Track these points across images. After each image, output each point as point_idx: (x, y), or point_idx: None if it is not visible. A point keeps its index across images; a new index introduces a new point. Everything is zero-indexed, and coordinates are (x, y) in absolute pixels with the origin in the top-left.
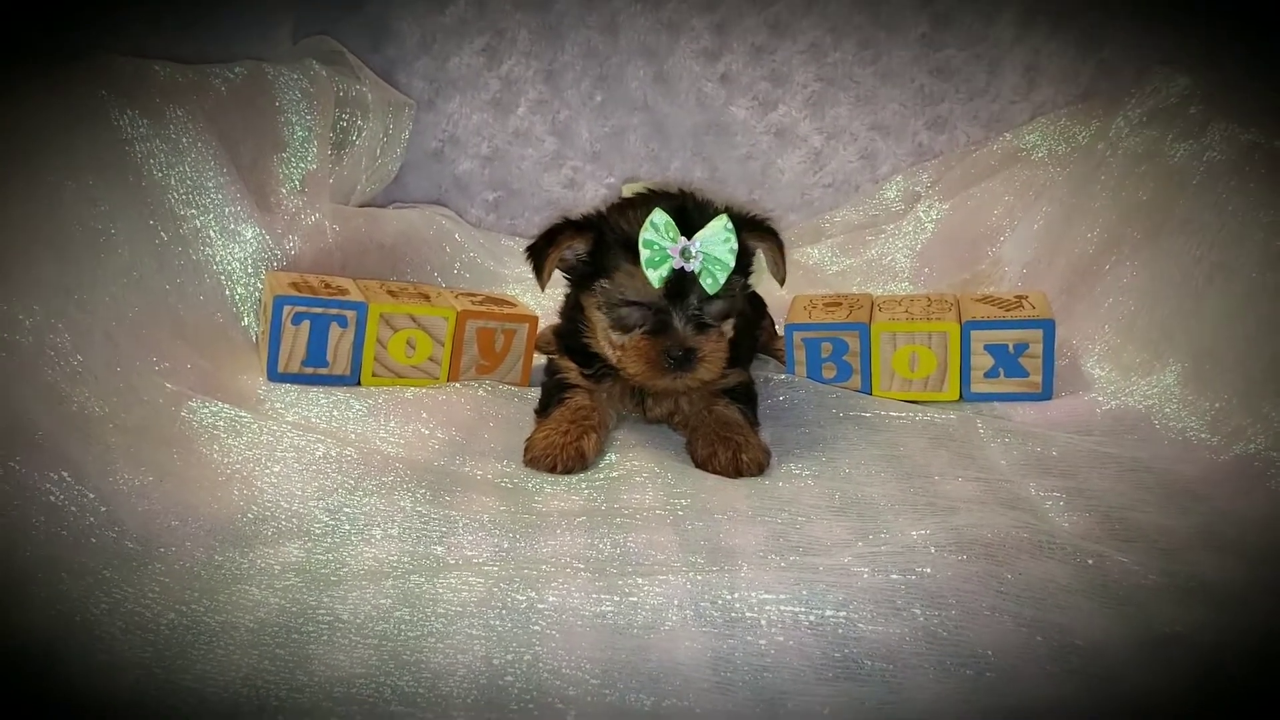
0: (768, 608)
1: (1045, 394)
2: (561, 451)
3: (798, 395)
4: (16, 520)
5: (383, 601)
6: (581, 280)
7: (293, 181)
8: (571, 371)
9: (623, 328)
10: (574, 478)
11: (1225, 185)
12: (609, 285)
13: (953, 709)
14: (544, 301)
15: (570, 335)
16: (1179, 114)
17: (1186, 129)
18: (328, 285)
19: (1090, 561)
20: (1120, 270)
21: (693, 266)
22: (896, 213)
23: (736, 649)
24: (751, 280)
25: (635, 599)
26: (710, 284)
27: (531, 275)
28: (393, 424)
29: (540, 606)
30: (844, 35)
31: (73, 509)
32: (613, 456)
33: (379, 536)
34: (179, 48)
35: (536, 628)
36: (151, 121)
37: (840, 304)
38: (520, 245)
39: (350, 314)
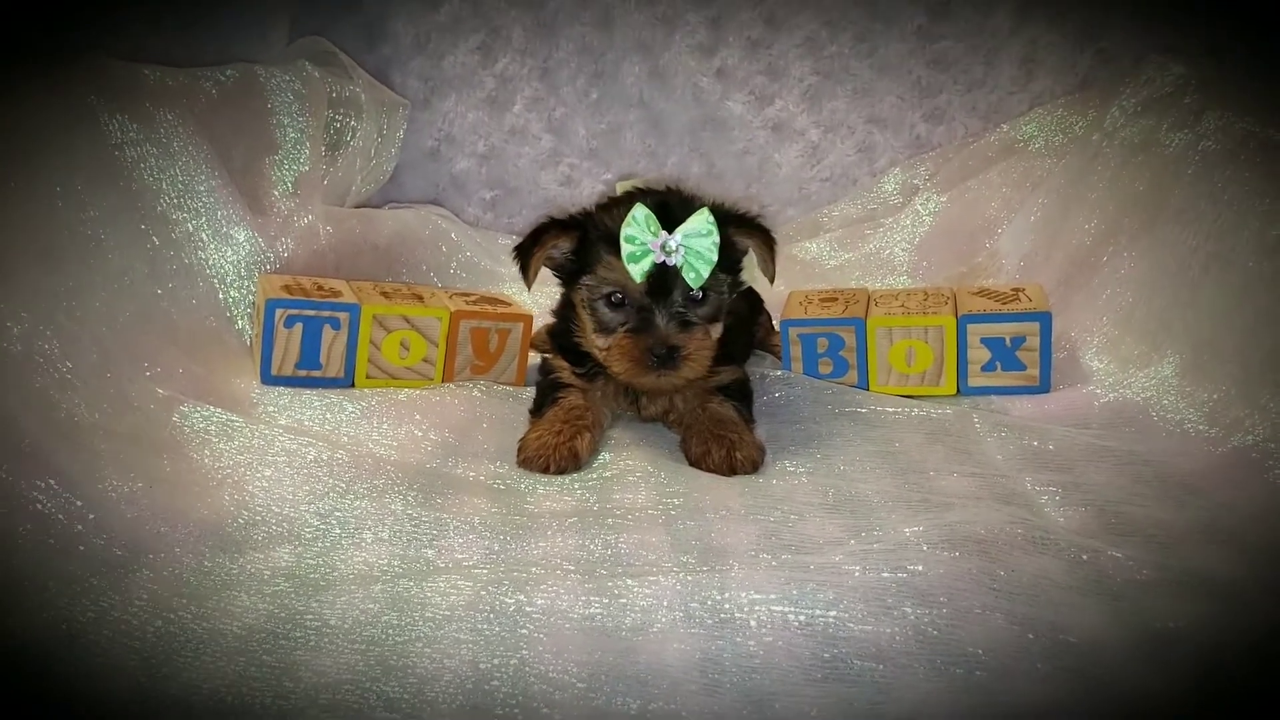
0: (757, 608)
1: (1043, 387)
2: (554, 452)
3: (794, 391)
4: (3, 529)
5: (371, 606)
6: (569, 278)
7: (285, 184)
8: (565, 371)
9: (607, 326)
10: (567, 478)
11: (1221, 174)
12: (592, 281)
13: (942, 709)
14: (540, 300)
15: (563, 334)
16: (1174, 103)
17: (1182, 118)
18: (320, 287)
19: (1085, 557)
20: (1117, 261)
21: (674, 261)
22: (894, 206)
23: (725, 650)
24: (744, 277)
25: (625, 600)
26: (693, 278)
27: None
28: (386, 426)
29: (529, 609)
30: (840, 28)
31: (60, 517)
32: (606, 456)
33: (369, 540)
34: (176, 48)
35: (524, 631)
36: (142, 125)
37: (836, 299)
38: (517, 242)
39: (343, 316)
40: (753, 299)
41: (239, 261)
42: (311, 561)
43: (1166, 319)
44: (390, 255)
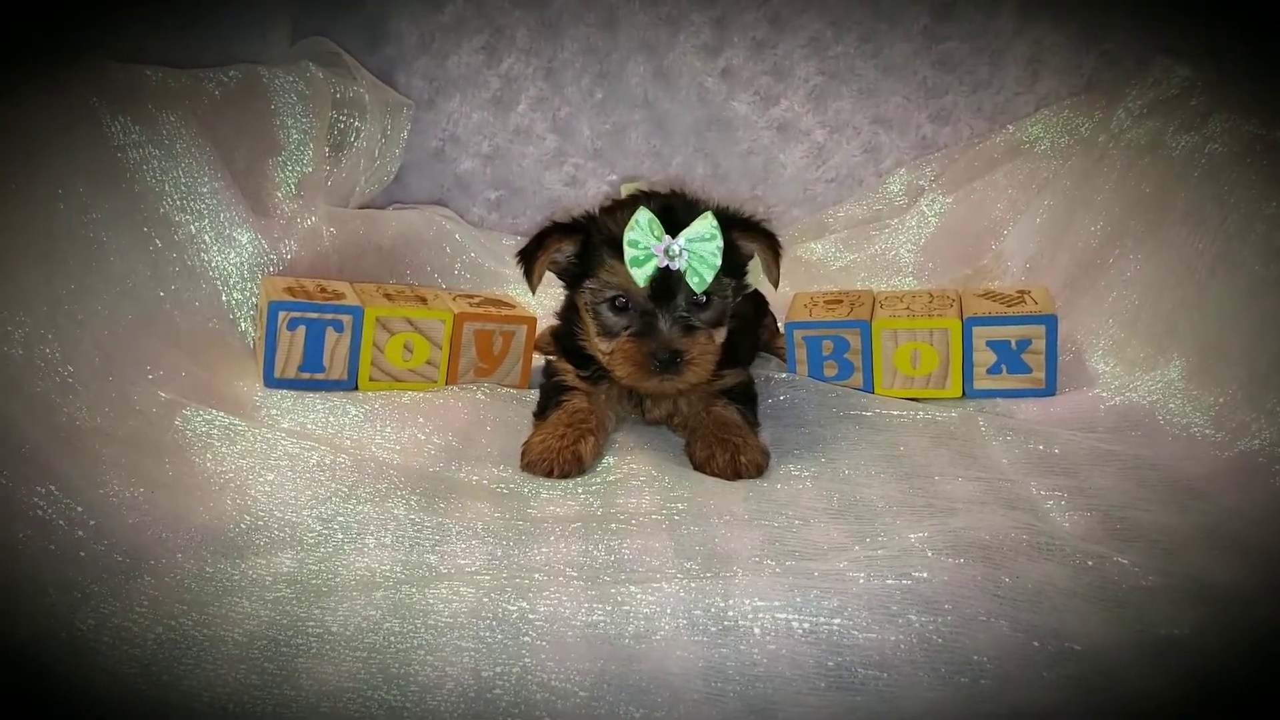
0: (761, 615)
1: (1049, 390)
2: (558, 456)
3: (798, 394)
4: (3, 535)
5: (373, 613)
6: (573, 282)
7: (288, 185)
8: (569, 374)
9: (610, 330)
10: (570, 482)
11: (1227, 178)
12: (595, 284)
13: (946, 717)
14: (544, 302)
15: (567, 337)
16: (1180, 106)
17: (1188, 121)
18: (323, 289)
19: (1090, 563)
20: (1123, 264)
21: (678, 265)
22: (900, 207)
23: (729, 658)
24: (749, 280)
25: (628, 608)
26: (697, 282)
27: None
28: (389, 429)
29: (531, 617)
30: (845, 28)
31: (61, 523)
32: (610, 459)
33: (372, 545)
34: (177, 49)
35: (526, 639)
36: (144, 127)
37: (841, 301)
38: (522, 245)
39: (346, 318)
40: (757, 301)
41: (242, 263)
42: (314, 567)
43: (1172, 322)
44: (394, 256)
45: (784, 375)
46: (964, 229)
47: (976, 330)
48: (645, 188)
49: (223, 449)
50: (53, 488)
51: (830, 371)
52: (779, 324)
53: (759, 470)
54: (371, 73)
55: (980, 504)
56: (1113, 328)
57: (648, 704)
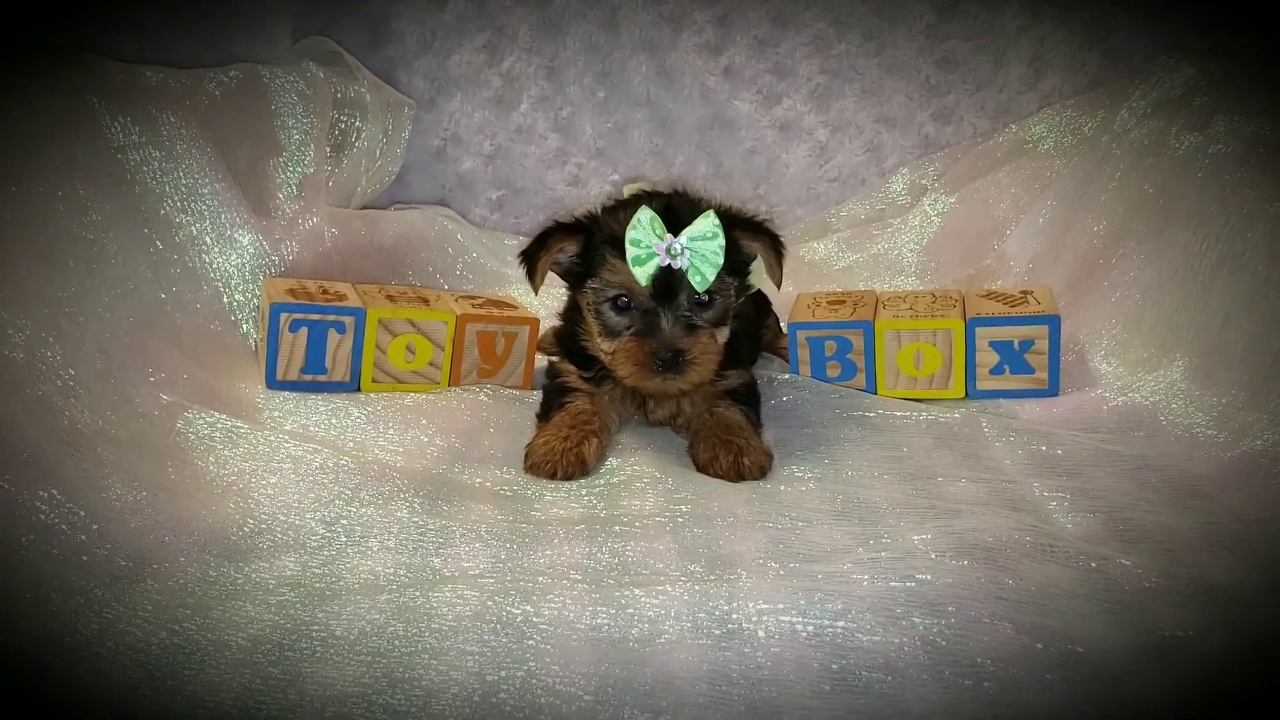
0: (765, 618)
1: (1052, 390)
2: (562, 458)
3: (801, 395)
4: (5, 540)
5: (377, 617)
6: (575, 282)
7: (290, 186)
8: (572, 375)
9: (612, 330)
10: (574, 484)
11: (1231, 177)
12: (598, 284)
13: None
14: (547, 302)
15: (569, 338)
16: (1184, 105)
17: (1192, 121)
18: (325, 291)
19: (1094, 565)
20: (1126, 264)
21: (679, 264)
22: (902, 206)
23: (733, 661)
24: (752, 280)
25: (632, 611)
26: (699, 281)
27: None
28: (392, 432)
29: (535, 620)
30: (848, 27)
31: (63, 527)
32: (614, 461)
33: (375, 548)
34: (177, 48)
35: (531, 642)
36: (144, 128)
37: (844, 301)
38: (524, 244)
39: (348, 320)
40: (760, 301)
41: (243, 265)
42: (317, 570)
43: (1175, 323)
44: (396, 257)
45: (787, 376)
46: (967, 229)
47: (979, 331)
48: (648, 187)
49: (225, 452)
50: (55, 491)
51: (833, 372)
52: (781, 324)
53: (762, 472)
54: (373, 72)
55: (983, 505)
56: (1115, 328)
57: (652, 708)
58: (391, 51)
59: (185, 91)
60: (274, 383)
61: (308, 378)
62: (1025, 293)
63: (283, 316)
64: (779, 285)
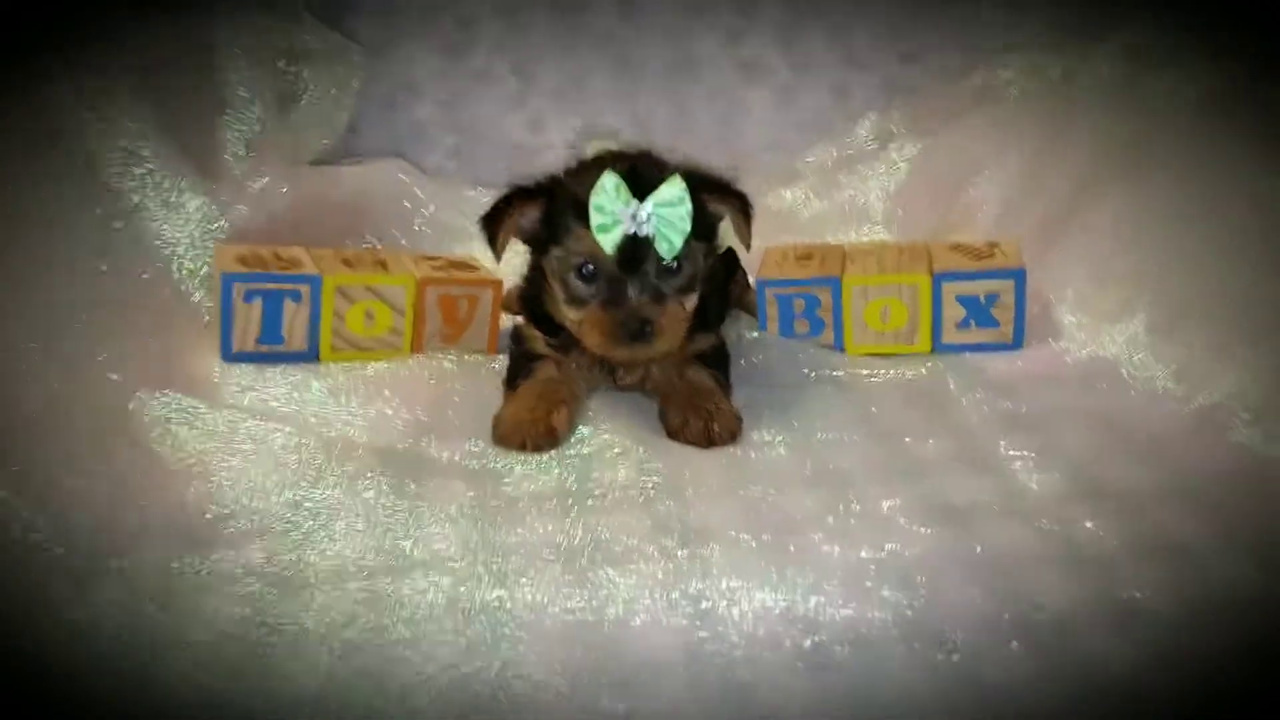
0: (738, 595)
1: (1016, 344)
2: (531, 428)
3: (770, 355)
4: None
5: (348, 607)
6: (539, 247)
7: (237, 144)
8: (538, 340)
9: (578, 298)
10: (544, 456)
11: (1207, 124)
12: (562, 252)
13: (921, 694)
14: (511, 260)
15: (534, 301)
16: (1160, 48)
17: (1168, 64)
18: (279, 257)
19: (1057, 527)
20: (1095, 214)
21: (646, 231)
22: (870, 151)
23: (707, 641)
24: (721, 239)
25: (605, 592)
26: (666, 248)
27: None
28: (354, 404)
29: (509, 605)
30: None
31: (14, 523)
32: (584, 430)
33: (342, 531)
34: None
35: (506, 629)
36: (75, 87)
37: (812, 256)
38: (483, 196)
39: (304, 288)
40: (729, 258)
41: (192, 230)
42: (284, 558)
43: (1140, 274)
44: (352, 214)
45: (755, 334)
46: (935, 176)
47: (946, 286)
48: (614, 146)
49: (183, 433)
50: (4, 486)
51: (801, 329)
52: (750, 278)
53: (733, 437)
54: (317, 18)
55: (951, 465)
56: (1081, 280)
57: (629, 694)
58: None
59: (119, 48)
60: (230, 355)
61: (264, 348)
62: (992, 245)
63: (236, 286)
64: (749, 247)
